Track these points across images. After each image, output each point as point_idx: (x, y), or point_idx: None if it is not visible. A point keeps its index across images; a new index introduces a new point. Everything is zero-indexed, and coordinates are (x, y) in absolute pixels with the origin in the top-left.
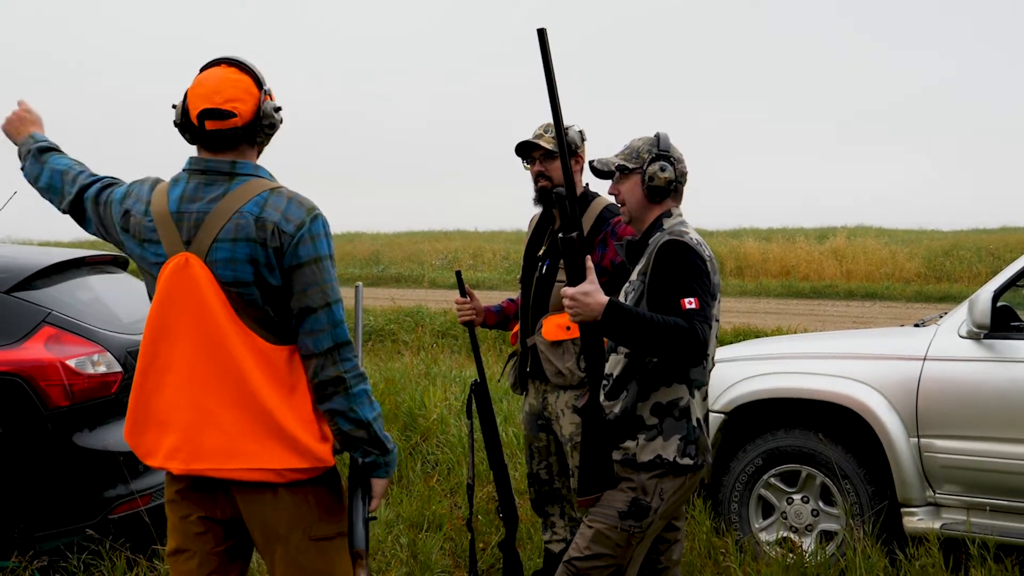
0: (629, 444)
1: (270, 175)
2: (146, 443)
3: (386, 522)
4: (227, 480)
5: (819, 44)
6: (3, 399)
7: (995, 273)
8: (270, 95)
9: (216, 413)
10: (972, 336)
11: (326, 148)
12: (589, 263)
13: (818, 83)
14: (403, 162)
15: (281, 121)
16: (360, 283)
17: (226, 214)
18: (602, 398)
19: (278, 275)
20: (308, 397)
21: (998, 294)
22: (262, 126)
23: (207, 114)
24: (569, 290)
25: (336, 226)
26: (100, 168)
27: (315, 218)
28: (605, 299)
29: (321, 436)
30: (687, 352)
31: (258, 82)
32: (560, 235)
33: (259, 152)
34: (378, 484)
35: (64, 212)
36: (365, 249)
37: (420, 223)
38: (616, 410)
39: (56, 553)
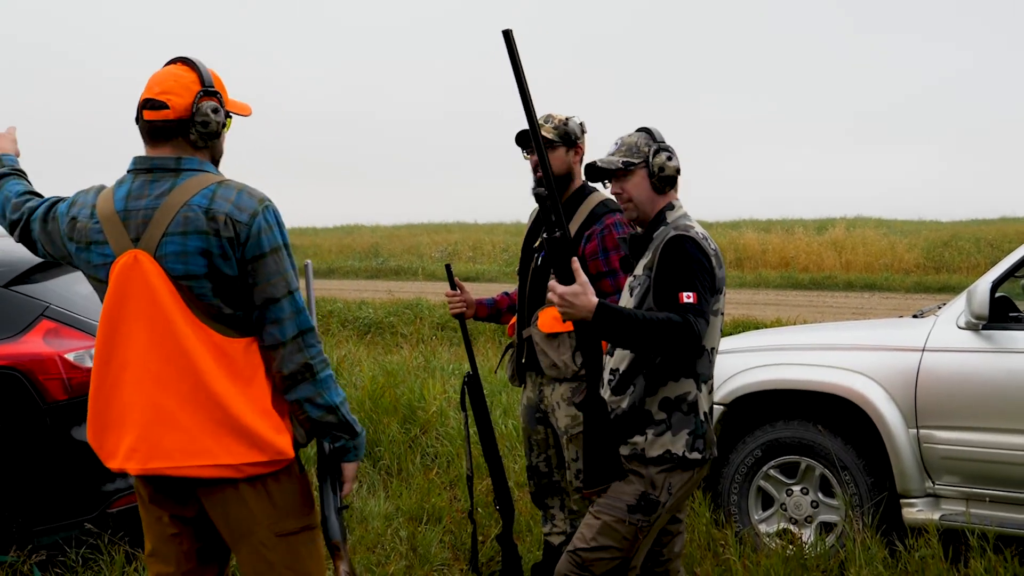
0: (638, 439)
1: (216, 171)
2: (108, 444)
3: (385, 515)
4: (188, 479)
5: (825, 40)
6: (1, 393)
7: (994, 264)
8: (215, 97)
9: (173, 411)
10: (970, 327)
11: (325, 141)
12: (576, 264)
13: (824, 78)
14: (402, 155)
15: (220, 124)
16: (309, 261)
17: (174, 208)
18: (608, 393)
19: (234, 265)
20: (266, 389)
21: (996, 285)
22: (195, 123)
23: (145, 103)
24: (560, 288)
25: (335, 219)
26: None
27: (267, 208)
28: (595, 300)
29: (279, 428)
30: (681, 346)
31: (202, 81)
32: (545, 235)
33: (211, 156)
34: (348, 468)
35: (17, 240)
36: (364, 242)
37: (419, 215)
38: (624, 405)
39: (55, 547)
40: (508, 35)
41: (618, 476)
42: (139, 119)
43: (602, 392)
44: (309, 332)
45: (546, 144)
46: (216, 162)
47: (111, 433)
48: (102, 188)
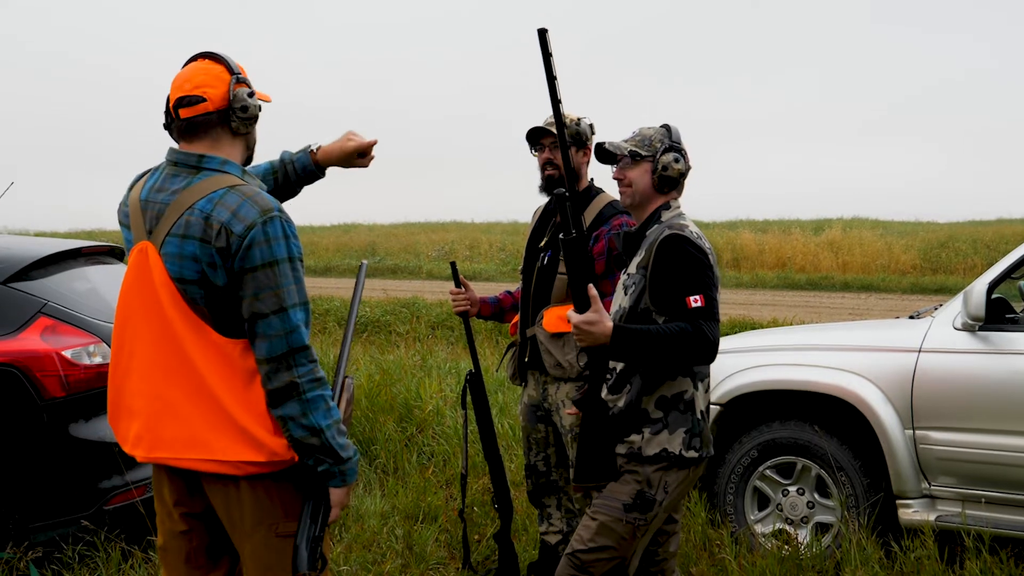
0: (634, 438)
1: (241, 171)
2: (121, 428)
3: (381, 513)
4: (194, 471)
5: (824, 41)
6: None
7: (990, 265)
8: (245, 83)
9: (175, 403)
10: (967, 328)
11: (323, 139)
12: (593, 292)
13: (823, 79)
14: (401, 153)
15: (258, 108)
16: (365, 261)
17: (181, 208)
18: (605, 392)
19: (223, 275)
20: (263, 392)
21: (993, 286)
22: (235, 110)
23: (180, 102)
24: (576, 317)
25: (333, 217)
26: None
27: (270, 220)
28: (611, 325)
29: (276, 430)
30: (699, 357)
31: (230, 70)
32: (561, 236)
33: (247, 144)
34: (335, 493)
35: None
36: (362, 240)
37: (417, 214)
38: (620, 404)
39: (51, 544)
40: (543, 34)
41: (611, 475)
42: (172, 120)
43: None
44: (301, 351)
45: (556, 143)
46: (251, 150)
47: (123, 418)
48: (146, 172)
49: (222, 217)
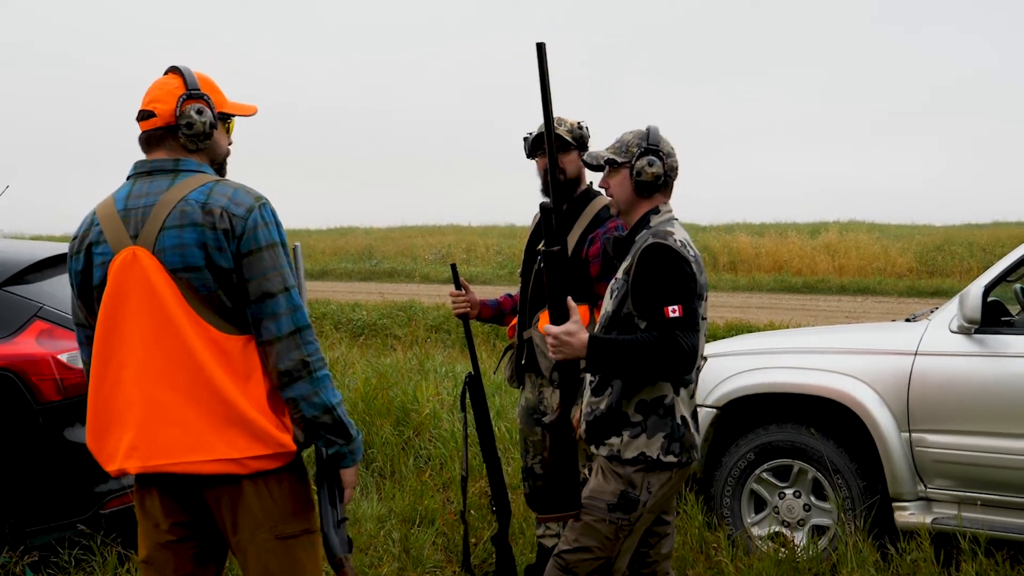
0: (614, 440)
1: (214, 174)
2: (108, 447)
3: (378, 517)
4: (191, 477)
5: (822, 45)
6: None
7: (986, 268)
8: (200, 99)
9: (172, 406)
10: (963, 331)
11: (320, 141)
12: (572, 304)
13: (821, 84)
14: (397, 156)
15: (208, 125)
16: (298, 244)
17: (171, 203)
18: (589, 394)
19: (229, 257)
20: (263, 386)
21: (989, 289)
22: (180, 126)
23: (138, 115)
24: (553, 329)
25: (329, 221)
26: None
27: (264, 205)
28: (587, 337)
29: (279, 424)
30: (675, 366)
31: (187, 85)
32: (541, 247)
33: (209, 158)
34: (347, 474)
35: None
36: (358, 244)
37: (413, 217)
38: (602, 406)
39: (47, 548)
40: (541, 48)
41: (576, 507)
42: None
43: (582, 395)
44: (306, 329)
45: (562, 146)
46: (219, 163)
47: (112, 434)
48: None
49: (220, 202)
